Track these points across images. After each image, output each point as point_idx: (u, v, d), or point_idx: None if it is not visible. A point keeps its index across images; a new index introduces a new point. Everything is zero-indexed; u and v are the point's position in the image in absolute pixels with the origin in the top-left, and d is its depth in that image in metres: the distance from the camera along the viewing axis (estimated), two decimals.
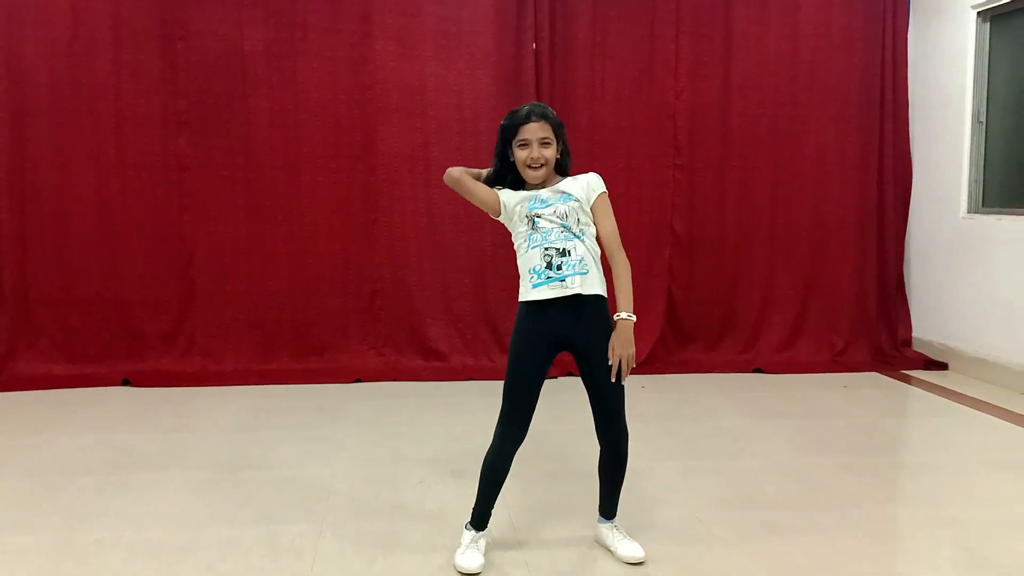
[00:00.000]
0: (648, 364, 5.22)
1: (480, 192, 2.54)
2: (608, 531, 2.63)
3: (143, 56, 4.89)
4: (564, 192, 2.44)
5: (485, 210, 2.56)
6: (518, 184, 2.53)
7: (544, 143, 2.42)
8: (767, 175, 5.41)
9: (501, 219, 2.55)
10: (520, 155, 2.44)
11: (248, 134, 5.02)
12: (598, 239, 2.47)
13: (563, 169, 2.53)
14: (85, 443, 3.74)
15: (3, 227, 4.84)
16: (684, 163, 5.35)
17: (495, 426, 2.48)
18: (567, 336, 2.42)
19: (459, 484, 3.19)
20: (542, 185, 2.48)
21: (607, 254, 2.47)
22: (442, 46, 5.11)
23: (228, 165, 5.03)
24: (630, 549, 2.54)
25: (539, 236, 2.40)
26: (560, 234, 2.38)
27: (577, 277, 2.36)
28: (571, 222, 2.39)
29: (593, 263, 2.40)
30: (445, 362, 5.20)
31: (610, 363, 2.39)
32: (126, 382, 4.85)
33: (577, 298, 2.37)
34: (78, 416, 4.19)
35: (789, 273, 5.48)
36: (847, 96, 5.43)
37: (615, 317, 2.42)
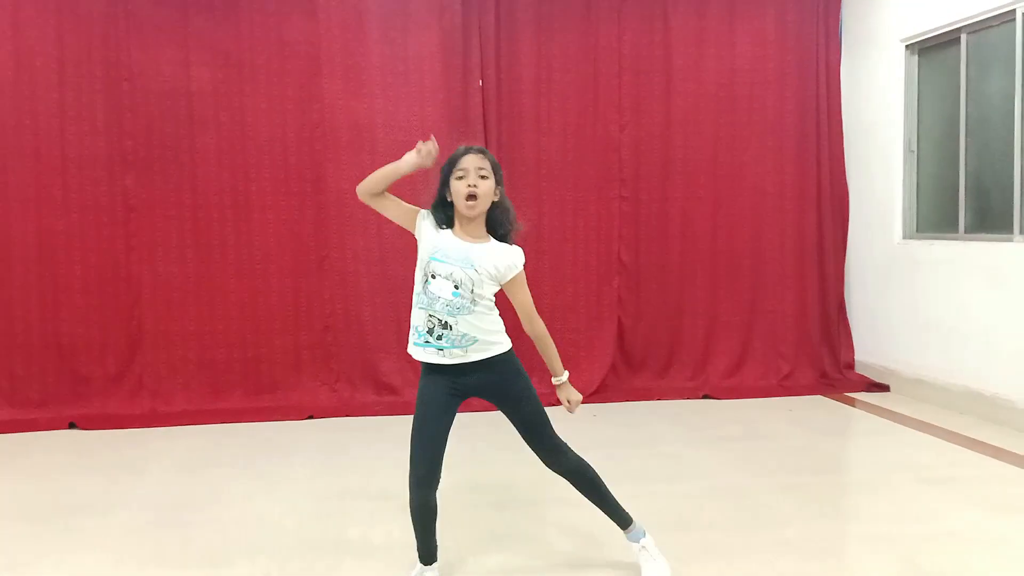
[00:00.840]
0: (599, 393, 5.29)
1: (390, 176, 2.42)
2: (638, 551, 2.66)
3: (87, 97, 4.88)
4: (470, 259, 2.39)
5: (397, 216, 2.50)
6: (451, 222, 2.50)
7: (482, 175, 2.40)
8: (709, 205, 5.56)
9: (415, 234, 2.52)
10: (457, 186, 2.40)
11: (196, 173, 5.03)
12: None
13: (497, 225, 2.49)
14: (24, 490, 3.66)
15: None
16: (629, 195, 5.49)
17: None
18: (468, 388, 2.47)
19: (408, 518, 3.18)
20: (465, 236, 2.44)
21: (524, 326, 2.52)
22: (390, 83, 5.19)
23: (176, 204, 5.02)
24: (650, 572, 2.61)
25: (426, 299, 2.40)
26: (445, 307, 2.37)
27: (457, 350, 2.39)
28: (463, 291, 2.37)
29: (481, 331, 2.40)
30: (398, 396, 5.20)
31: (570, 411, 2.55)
32: (72, 425, 4.77)
33: (461, 365, 2.42)
34: (19, 462, 4.11)
35: (733, 300, 5.62)
36: (784, 128, 5.63)
37: (553, 381, 2.53)
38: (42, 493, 3.61)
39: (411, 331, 2.46)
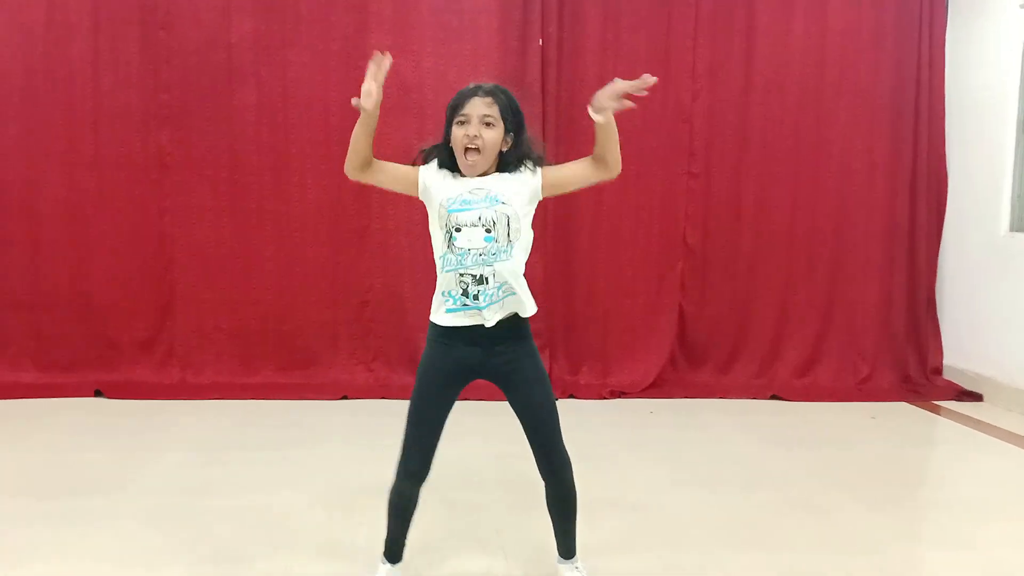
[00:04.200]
0: (655, 387, 4.85)
1: (360, 135, 2.06)
2: (569, 572, 2.30)
3: (122, 45, 4.59)
4: (490, 192, 2.04)
5: (396, 181, 2.16)
6: (454, 167, 2.11)
7: (487, 123, 2.01)
8: (788, 184, 5.03)
9: (420, 196, 2.14)
10: (456, 134, 2.02)
11: (233, 131, 4.71)
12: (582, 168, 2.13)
13: (512, 165, 2.10)
14: (38, 461, 3.42)
15: None
16: (699, 170, 4.98)
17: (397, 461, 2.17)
18: (483, 365, 2.11)
19: (450, 515, 2.88)
20: (478, 176, 2.08)
21: (595, 168, 2.11)
22: (441, 40, 4.77)
23: (212, 164, 4.72)
24: None
25: (454, 258, 2.03)
26: (478, 258, 2.02)
27: (495, 306, 2.04)
28: (497, 232, 2.01)
29: (518, 280, 2.06)
30: None
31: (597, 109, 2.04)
32: (98, 393, 4.55)
33: (494, 331, 2.06)
34: (38, 431, 3.88)
35: (809, 290, 5.10)
36: (877, 100, 5.04)
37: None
38: (55, 467, 3.36)
39: (438, 299, 2.09)
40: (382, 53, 1.99)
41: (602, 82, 5.07)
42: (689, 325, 5.05)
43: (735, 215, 5.03)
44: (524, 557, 2.57)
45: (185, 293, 4.77)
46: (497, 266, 2.02)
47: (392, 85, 4.70)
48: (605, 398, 4.70)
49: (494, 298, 2.03)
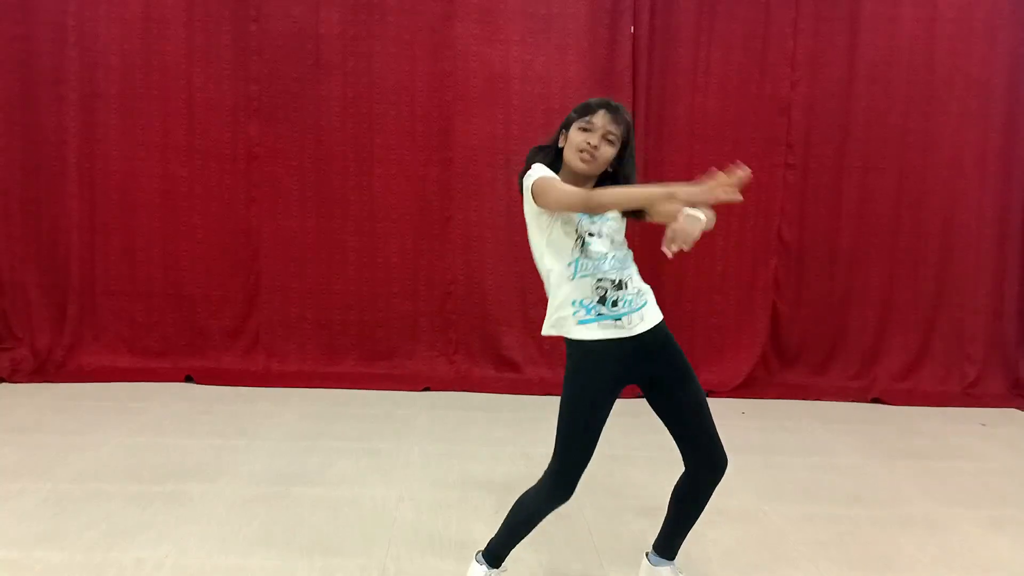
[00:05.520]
0: (746, 387, 4.68)
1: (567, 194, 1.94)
2: (672, 573, 2.19)
3: (215, 38, 4.65)
4: None
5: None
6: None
7: (608, 139, 2.00)
8: (892, 178, 4.77)
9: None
10: (575, 137, 2.00)
11: (319, 123, 4.72)
12: None
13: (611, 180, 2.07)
14: (138, 445, 3.50)
15: (72, 215, 4.68)
16: (797, 163, 4.76)
17: (546, 473, 2.06)
18: (642, 372, 2.03)
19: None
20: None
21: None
22: (529, 29, 4.68)
23: (298, 154, 4.75)
24: None
25: (590, 264, 1.98)
26: (614, 263, 1.98)
27: (635, 316, 1.98)
28: (619, 239, 2.03)
29: (646, 289, 2.06)
30: (519, 373, 4.78)
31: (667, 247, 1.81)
32: (188, 378, 4.65)
33: (642, 337, 1.99)
34: (135, 414, 3.97)
35: (914, 290, 4.83)
36: (991, 90, 4.73)
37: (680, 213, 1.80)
38: (154, 451, 3.43)
39: (568, 310, 2.00)
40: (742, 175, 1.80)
41: (695, 70, 4.96)
42: (783, 324, 4.85)
43: (834, 210, 4.80)
44: (621, 559, 2.48)
45: (271, 283, 4.82)
46: (628, 271, 2.02)
47: (479, 75, 4.70)
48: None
49: (634, 305, 2.00)
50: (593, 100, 2.05)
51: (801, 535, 2.76)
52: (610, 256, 1.99)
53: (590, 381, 2.00)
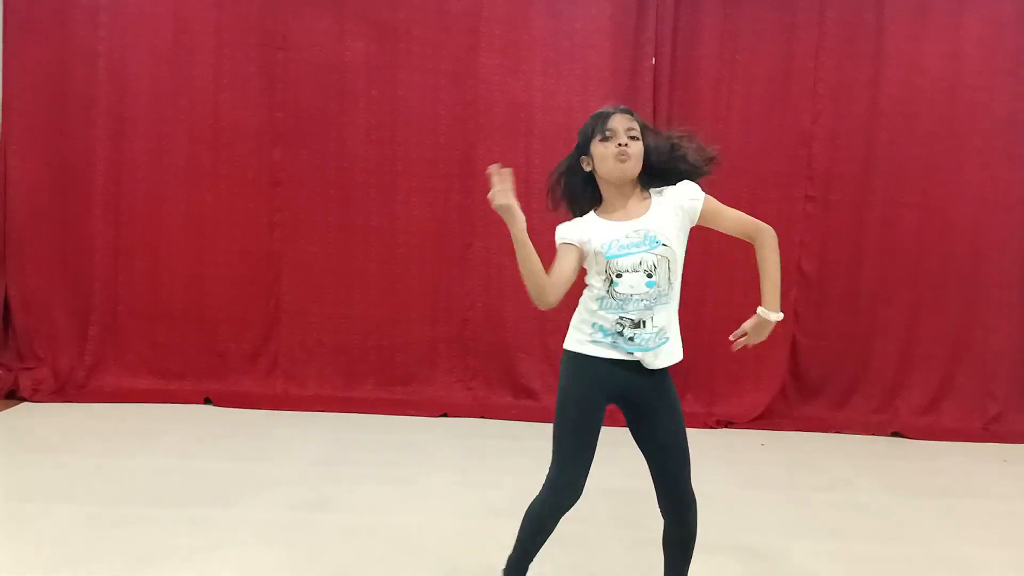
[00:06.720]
0: (765, 419, 4.64)
1: (526, 259, 1.97)
2: None
3: (242, 66, 4.72)
4: (648, 232, 2.01)
5: (579, 265, 2.10)
6: (595, 200, 2.13)
7: (631, 136, 2.04)
8: (915, 212, 4.75)
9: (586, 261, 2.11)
10: (600, 150, 2.04)
11: (343, 149, 4.77)
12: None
13: (649, 174, 2.09)
14: (163, 468, 3.52)
15: (98, 237, 4.74)
16: (818, 195, 4.75)
17: (548, 476, 2.09)
18: (624, 390, 2.06)
19: (562, 550, 2.74)
20: (624, 211, 2.06)
21: (748, 238, 2.11)
22: (552, 60, 4.72)
23: (321, 181, 4.80)
24: None
25: (615, 303, 2.01)
26: (640, 303, 2.00)
27: (648, 355, 2.01)
28: (659, 276, 1.99)
29: (673, 327, 2.06)
30: (537, 401, 4.78)
31: (735, 338, 2.07)
32: (208, 401, 4.67)
33: (635, 362, 2.04)
34: (157, 436, 4.00)
35: (936, 326, 4.79)
36: (1017, 128, 4.70)
37: (760, 312, 2.04)
38: (176, 474, 3.44)
39: (582, 329, 2.06)
40: (499, 167, 1.95)
41: (716, 102, 4.97)
42: (802, 356, 4.82)
43: (856, 244, 4.78)
44: None
45: (291, 307, 4.85)
46: (656, 310, 2.01)
47: (501, 105, 4.74)
48: (711, 427, 4.53)
49: (650, 343, 2.02)
50: (598, 113, 2.09)
51: (829, 574, 2.72)
52: (635, 298, 2.00)
53: (578, 380, 2.06)
